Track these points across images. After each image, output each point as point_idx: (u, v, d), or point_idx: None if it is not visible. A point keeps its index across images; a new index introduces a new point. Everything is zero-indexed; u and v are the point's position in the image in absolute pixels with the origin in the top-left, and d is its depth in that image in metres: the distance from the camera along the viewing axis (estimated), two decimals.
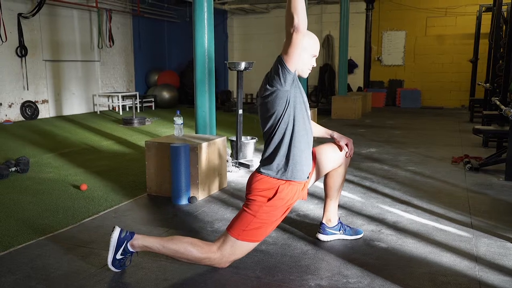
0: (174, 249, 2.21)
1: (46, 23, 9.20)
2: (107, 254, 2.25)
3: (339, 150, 2.58)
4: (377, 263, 2.43)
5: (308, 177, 2.37)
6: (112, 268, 2.25)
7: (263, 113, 2.26)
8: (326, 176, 2.68)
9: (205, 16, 4.03)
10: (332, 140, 2.64)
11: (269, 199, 2.22)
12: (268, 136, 2.28)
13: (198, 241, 2.28)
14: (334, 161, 2.57)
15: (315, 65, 2.37)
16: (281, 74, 2.11)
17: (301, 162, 2.27)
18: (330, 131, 2.67)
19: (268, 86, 2.18)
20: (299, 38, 1.99)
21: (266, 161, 2.29)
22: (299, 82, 2.29)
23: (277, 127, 2.22)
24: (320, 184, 3.32)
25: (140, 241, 2.24)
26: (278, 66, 2.11)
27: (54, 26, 9.41)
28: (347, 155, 2.60)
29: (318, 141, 2.99)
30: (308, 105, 2.38)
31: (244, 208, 2.27)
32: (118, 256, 2.23)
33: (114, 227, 2.26)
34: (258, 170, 2.31)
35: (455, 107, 11.50)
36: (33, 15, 8.68)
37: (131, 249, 2.24)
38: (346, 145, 2.58)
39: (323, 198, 2.79)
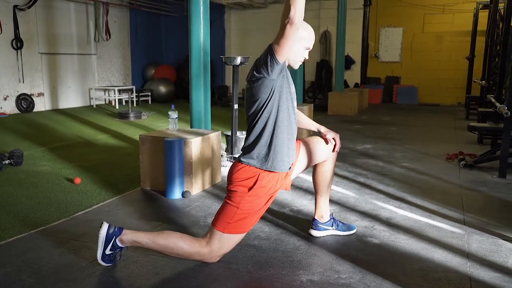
0: (163, 244, 2.20)
1: (42, 16, 9.14)
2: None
3: (325, 144, 2.56)
4: (369, 259, 2.43)
5: (290, 168, 2.34)
6: (102, 263, 2.25)
7: (248, 98, 2.24)
8: (314, 173, 2.66)
9: (201, 9, 4.00)
10: (319, 134, 2.62)
11: (250, 189, 2.20)
12: (251, 123, 2.25)
13: (187, 236, 2.27)
14: (320, 154, 2.55)
15: (307, 57, 2.34)
16: (269, 64, 2.09)
17: (282, 152, 2.24)
18: (317, 125, 2.65)
19: (255, 73, 2.16)
20: (292, 31, 1.96)
21: (247, 149, 2.26)
22: (288, 72, 2.26)
23: (259, 114, 2.20)
24: None
25: (129, 236, 2.23)
26: (268, 55, 2.09)
27: (50, 18, 9.35)
28: (334, 150, 2.58)
29: (307, 134, 2.97)
30: (295, 96, 2.35)
31: (227, 200, 2.24)
32: (107, 252, 2.22)
33: (102, 223, 2.25)
34: (238, 159, 2.29)
35: (451, 104, 11.51)
36: (29, 7, 8.62)
37: (120, 245, 2.23)
38: (334, 139, 2.56)
39: None
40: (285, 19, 1.94)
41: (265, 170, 2.22)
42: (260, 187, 2.21)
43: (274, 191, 2.27)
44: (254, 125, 2.23)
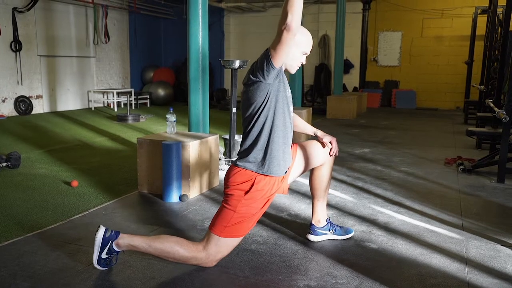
0: (160, 249, 2.19)
1: (41, 18, 9.13)
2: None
3: (322, 148, 2.55)
4: (367, 264, 2.42)
5: (286, 172, 2.33)
6: (98, 267, 2.23)
7: (244, 101, 2.24)
8: (311, 177, 2.65)
9: (200, 13, 4.00)
10: (315, 138, 2.62)
11: (247, 192, 2.19)
12: (246, 127, 2.25)
13: (184, 241, 2.25)
14: (316, 157, 2.54)
15: (304, 62, 2.34)
16: (265, 68, 2.08)
17: (278, 157, 2.24)
18: (314, 129, 2.65)
19: (251, 76, 2.16)
20: (289, 37, 1.95)
21: (243, 153, 2.26)
22: (285, 76, 2.25)
23: (256, 118, 2.19)
24: None
25: (126, 240, 2.21)
26: (264, 60, 2.08)
27: (50, 21, 9.34)
28: (330, 153, 2.57)
29: (305, 138, 2.96)
30: (292, 100, 2.34)
31: (223, 204, 2.24)
32: (104, 255, 2.21)
33: (99, 227, 2.24)
34: (234, 163, 2.28)
35: (450, 108, 11.52)
36: (28, 9, 8.61)
37: (116, 249, 2.22)
38: (330, 143, 2.56)
39: None
40: (282, 25, 1.93)
41: (261, 174, 2.22)
42: (256, 190, 2.20)
43: (270, 194, 2.26)
44: (251, 129, 2.23)
